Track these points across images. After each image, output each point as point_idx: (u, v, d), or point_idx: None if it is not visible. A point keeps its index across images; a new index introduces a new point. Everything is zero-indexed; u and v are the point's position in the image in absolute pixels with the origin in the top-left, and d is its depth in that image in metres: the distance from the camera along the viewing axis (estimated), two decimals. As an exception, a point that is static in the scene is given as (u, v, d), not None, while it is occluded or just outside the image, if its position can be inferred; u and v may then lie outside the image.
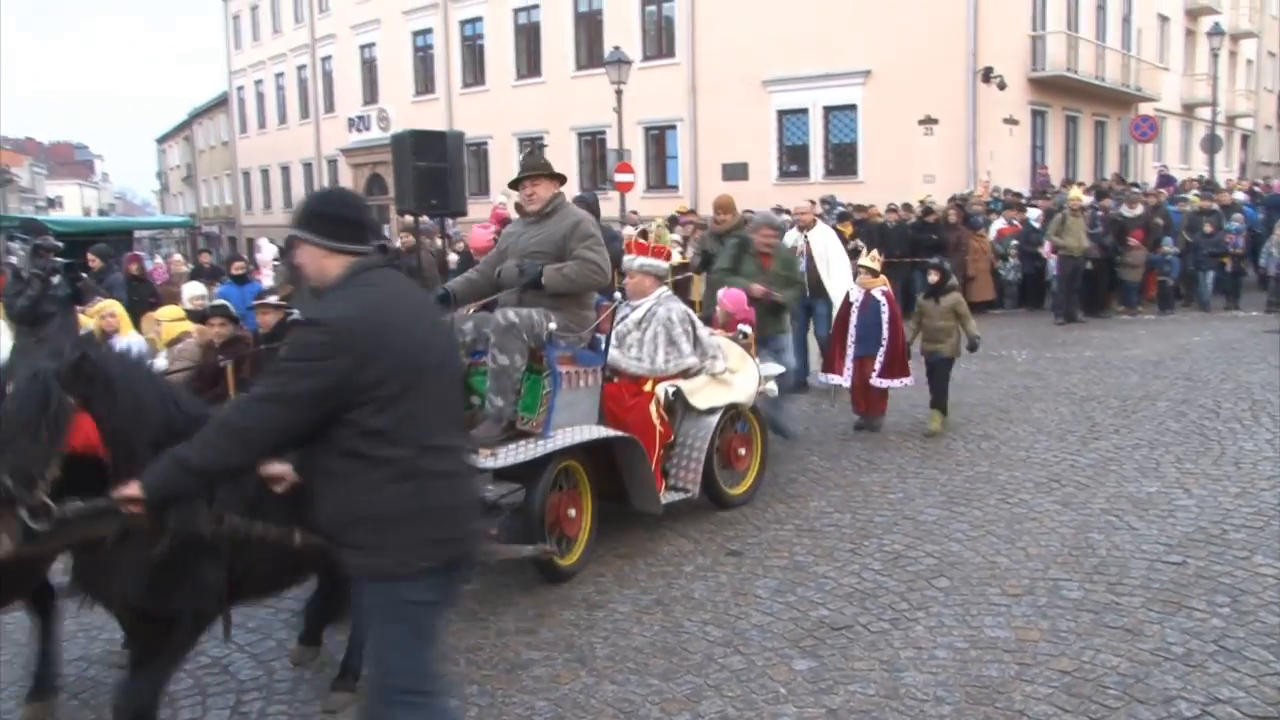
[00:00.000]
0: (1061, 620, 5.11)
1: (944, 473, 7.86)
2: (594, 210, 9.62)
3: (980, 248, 18.10)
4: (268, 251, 19.38)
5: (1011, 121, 25.07)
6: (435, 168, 9.99)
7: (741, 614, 5.35)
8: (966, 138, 23.81)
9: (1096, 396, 10.40)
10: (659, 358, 6.73)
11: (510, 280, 5.88)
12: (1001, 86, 23.88)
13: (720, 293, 8.23)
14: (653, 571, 6.01)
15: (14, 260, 10.49)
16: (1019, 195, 21.60)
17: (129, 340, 9.20)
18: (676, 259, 16.50)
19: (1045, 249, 17.63)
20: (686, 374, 6.85)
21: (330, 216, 3.18)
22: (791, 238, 10.76)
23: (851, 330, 9.22)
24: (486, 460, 5.30)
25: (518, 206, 6.79)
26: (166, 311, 9.51)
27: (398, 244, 12.74)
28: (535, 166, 6.03)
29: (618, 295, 6.97)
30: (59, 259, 8.74)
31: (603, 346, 6.34)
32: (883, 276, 9.53)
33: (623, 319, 6.81)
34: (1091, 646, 4.79)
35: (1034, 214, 19.00)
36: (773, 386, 7.87)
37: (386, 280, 3.19)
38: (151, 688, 3.69)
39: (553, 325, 5.76)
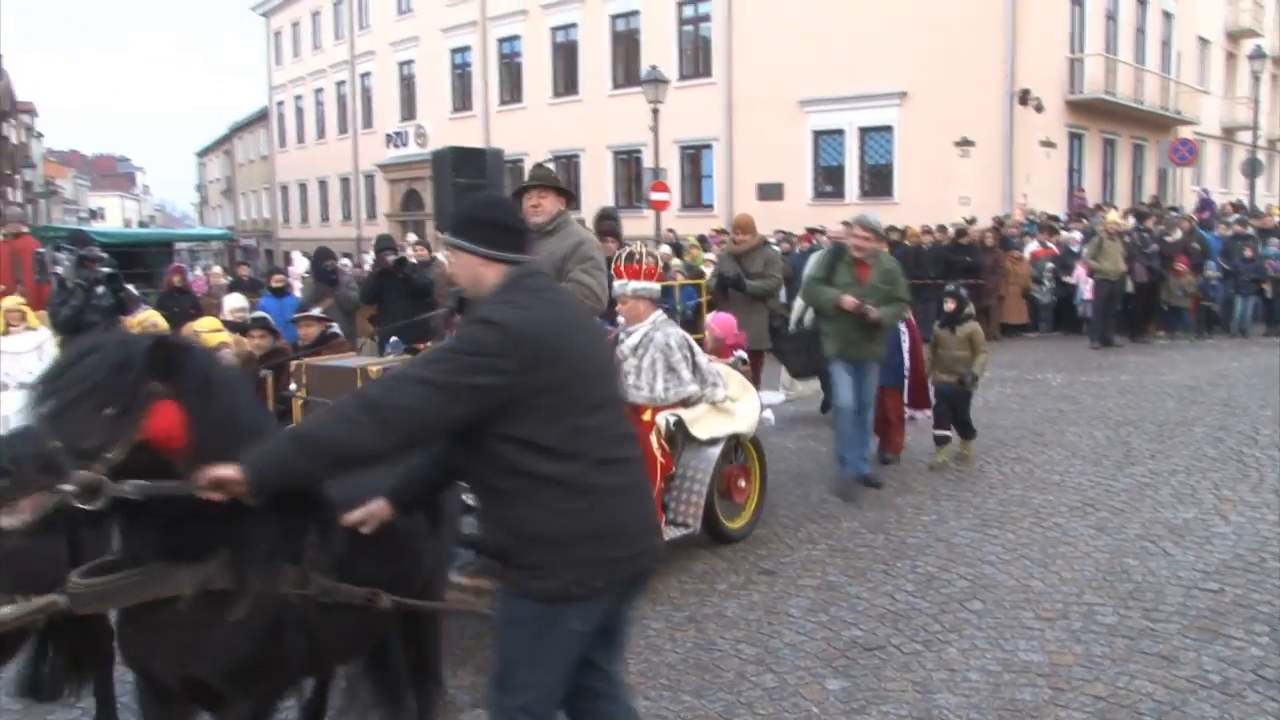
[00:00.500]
0: (1096, 645, 5.09)
1: (977, 495, 7.84)
2: (616, 225, 9.54)
3: (1015, 270, 18.06)
4: (299, 264, 19.67)
5: (1048, 144, 24.97)
6: (474, 184, 10.11)
7: (774, 632, 5.37)
8: (1003, 160, 23.74)
9: (1132, 421, 10.34)
10: (658, 385, 6.23)
11: None
12: (1039, 109, 23.80)
13: (709, 317, 7.93)
14: (685, 589, 6.03)
15: (59, 270, 10.67)
16: (1055, 218, 21.51)
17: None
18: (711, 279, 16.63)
19: (1076, 273, 17.59)
20: (686, 403, 6.44)
21: (488, 223, 3.10)
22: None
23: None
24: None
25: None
26: (204, 323, 9.63)
27: (411, 255, 12.77)
28: (543, 178, 5.90)
29: (620, 321, 6.53)
30: (103, 269, 8.85)
31: None
32: None
33: (618, 346, 6.35)
34: (1126, 672, 4.76)
35: (1070, 237, 18.94)
36: (770, 416, 7.60)
37: (548, 288, 3.12)
38: None
39: None
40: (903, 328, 8.64)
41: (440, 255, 12.97)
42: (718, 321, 7.82)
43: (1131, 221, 18.64)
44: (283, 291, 11.50)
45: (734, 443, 6.95)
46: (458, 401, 2.80)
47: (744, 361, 7.58)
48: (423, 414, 2.81)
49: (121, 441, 2.72)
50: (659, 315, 6.42)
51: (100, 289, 8.58)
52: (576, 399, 2.92)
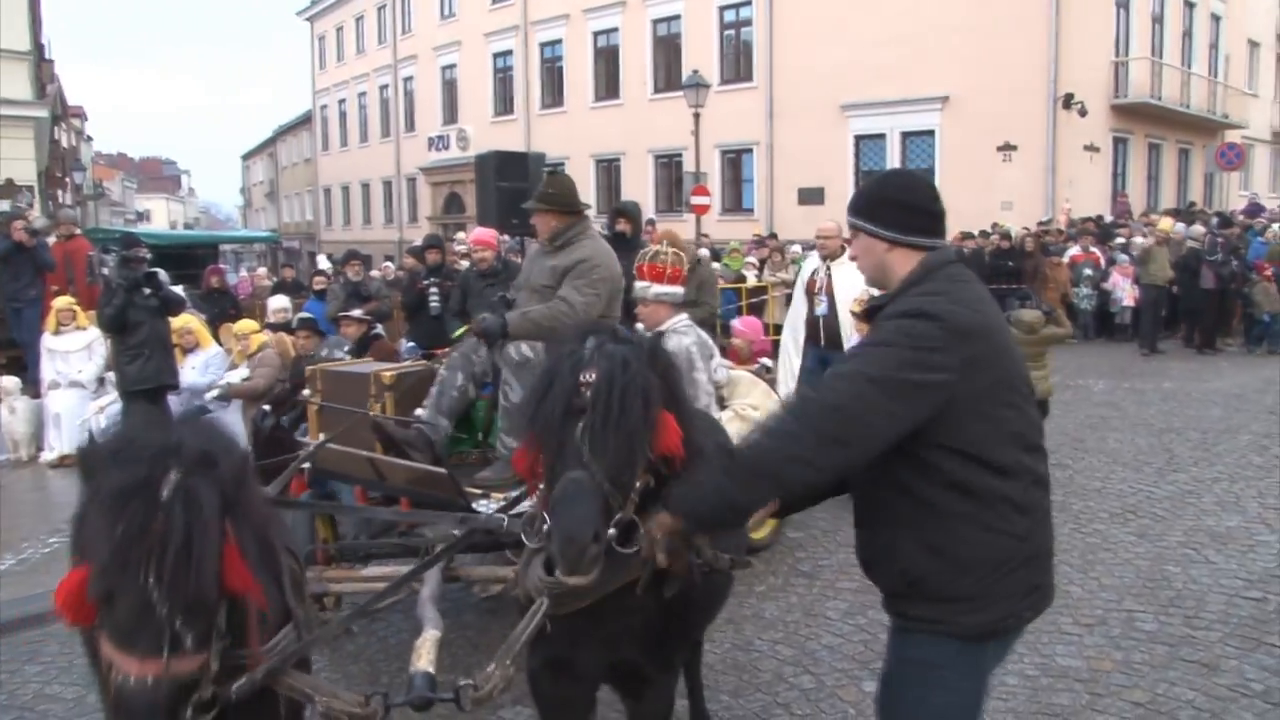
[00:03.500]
0: (1135, 652, 5.08)
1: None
2: (634, 220, 9.39)
3: (1058, 277, 17.93)
4: (323, 267, 19.94)
5: (1092, 149, 24.75)
6: (517, 188, 10.18)
7: (812, 635, 5.40)
8: (1046, 165, 23.56)
9: (1175, 428, 10.25)
10: None
11: (482, 333, 5.25)
12: (1083, 113, 23.59)
13: (734, 321, 7.67)
14: (723, 590, 6.06)
15: (106, 271, 10.90)
16: (1097, 221, 21.33)
17: (209, 353, 9.55)
18: (752, 281, 16.67)
19: (1113, 279, 17.47)
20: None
21: (897, 204, 2.73)
22: (810, 266, 8.50)
23: None
24: (497, 504, 4.60)
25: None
26: (243, 324, 9.81)
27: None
28: (542, 198, 5.50)
29: (639, 328, 6.07)
30: (145, 270, 9.00)
31: None
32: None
33: None
34: (1166, 679, 4.75)
35: (1112, 244, 18.83)
36: None
37: (969, 279, 2.71)
38: None
39: None
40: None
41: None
42: (745, 324, 7.76)
43: (1182, 228, 18.45)
44: (324, 294, 11.66)
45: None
46: (900, 400, 2.44)
47: (767, 370, 7.48)
48: (863, 419, 2.44)
49: (642, 465, 2.67)
50: (679, 320, 6.04)
51: (145, 290, 8.69)
52: (1011, 404, 2.58)
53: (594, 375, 2.63)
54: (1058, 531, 6.89)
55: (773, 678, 4.91)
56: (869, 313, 2.80)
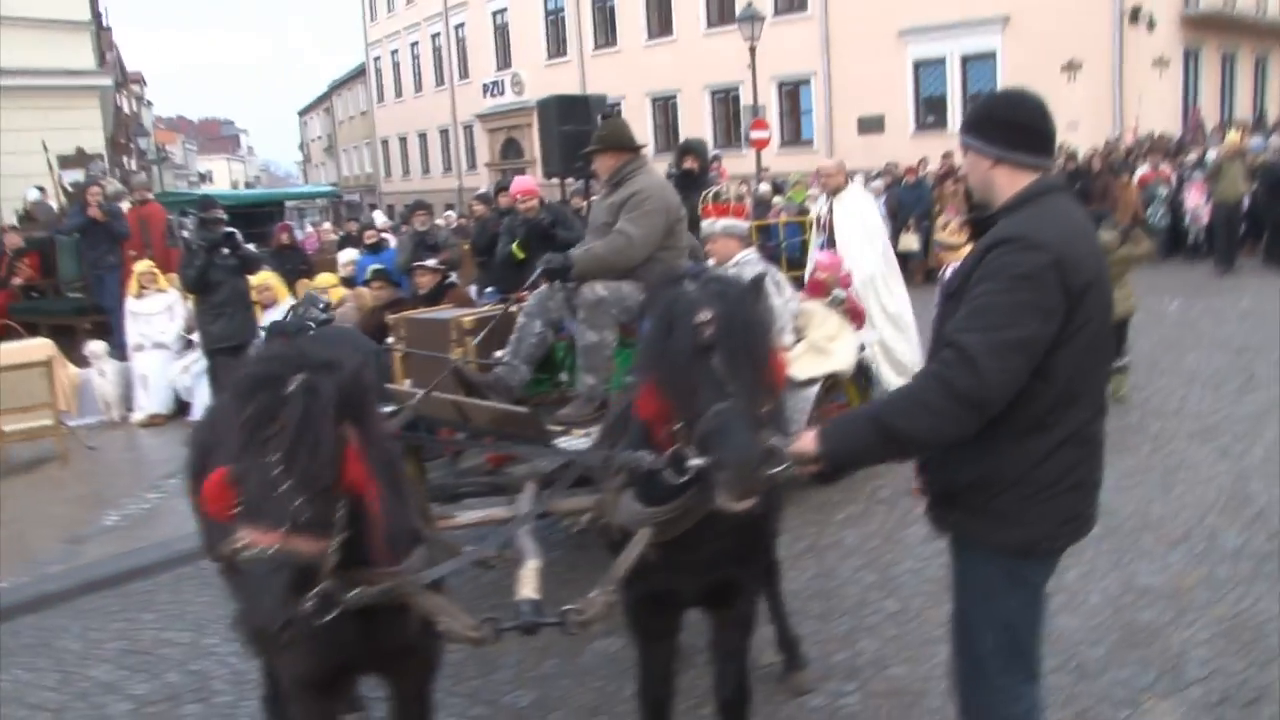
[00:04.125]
0: (1220, 568, 5.10)
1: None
2: (701, 157, 9.40)
3: (1127, 198, 17.56)
4: (378, 221, 20.16)
5: (1162, 63, 24.04)
6: (579, 131, 10.18)
7: (893, 560, 5.49)
8: (1112, 82, 22.96)
9: (1254, 346, 10.08)
10: None
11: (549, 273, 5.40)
12: (1151, 26, 22.90)
13: (815, 255, 7.73)
14: (804, 519, 6.16)
15: (186, 234, 11.14)
16: (1169, 139, 20.80)
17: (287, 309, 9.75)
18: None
19: (1190, 197, 17.06)
20: None
21: (1005, 122, 2.75)
22: (816, 205, 9.02)
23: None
24: (579, 440, 4.88)
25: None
26: (323, 278, 10.02)
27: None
28: (596, 141, 5.62)
29: (709, 264, 6.37)
30: (223, 230, 9.21)
31: None
32: (967, 249, 8.14)
33: None
34: (1251, 594, 4.78)
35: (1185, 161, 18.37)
36: (869, 354, 7.52)
37: (1073, 207, 2.79)
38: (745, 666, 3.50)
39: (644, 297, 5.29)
40: (947, 275, 7.86)
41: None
42: (827, 258, 7.79)
43: (1260, 141, 17.91)
44: (377, 247, 11.82)
45: (832, 381, 6.88)
46: (1027, 352, 2.51)
47: (842, 301, 7.50)
48: (1000, 385, 2.51)
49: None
50: (748, 254, 6.39)
51: (224, 250, 8.91)
52: (1096, 335, 2.61)
53: (712, 313, 2.69)
54: (1137, 452, 6.95)
55: (857, 602, 5.02)
56: (971, 225, 2.88)
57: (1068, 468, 2.63)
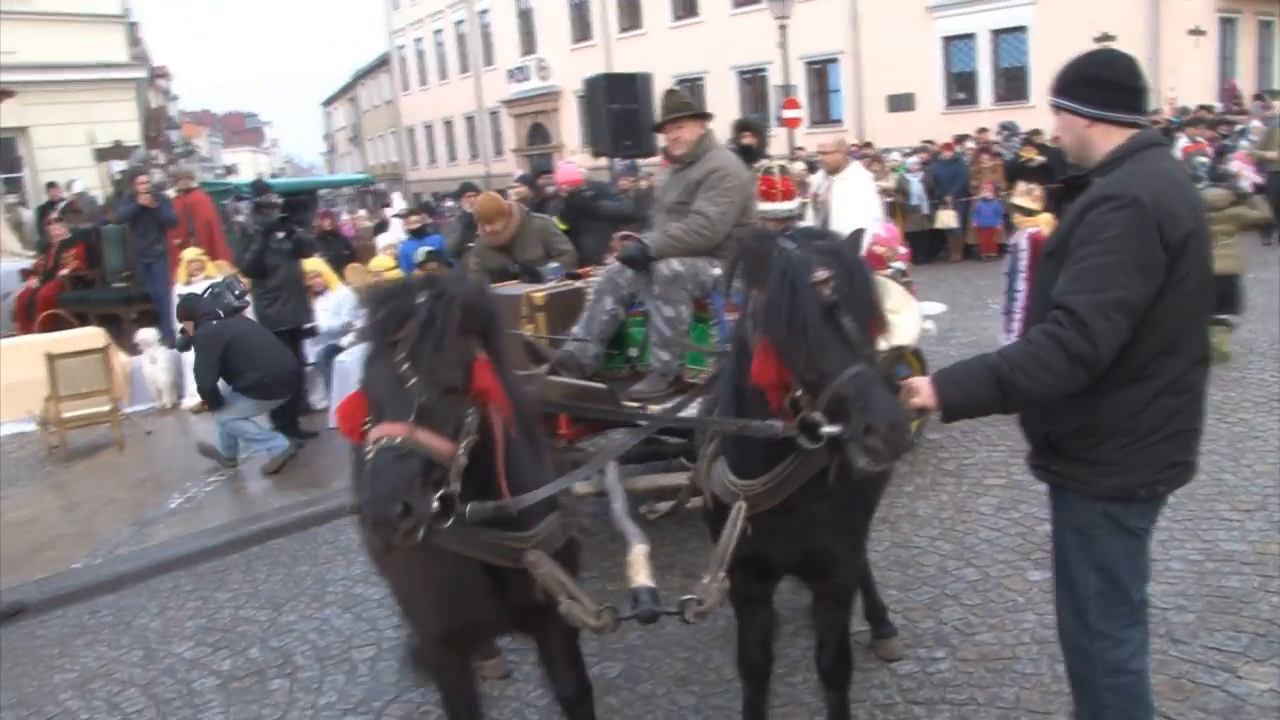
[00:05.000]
0: (1300, 534, 5.06)
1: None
2: (759, 134, 9.37)
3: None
4: (396, 205, 20.28)
5: (1198, 32, 23.75)
6: (627, 110, 10.16)
7: (969, 530, 5.47)
8: (1147, 53, 22.63)
9: (1310, 316, 9.98)
10: None
11: (627, 260, 5.34)
12: (1186, -5, 22.66)
13: (879, 229, 7.72)
14: (873, 491, 6.14)
15: (241, 219, 11.21)
16: (1209, 109, 20.54)
17: (338, 295, 9.81)
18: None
19: (1235, 163, 16.84)
20: None
21: (1098, 81, 2.75)
22: (815, 182, 8.86)
23: (1020, 284, 7.70)
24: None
25: (664, 151, 6.34)
26: (379, 261, 10.05)
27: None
28: (677, 108, 5.42)
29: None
30: (277, 215, 9.25)
31: None
32: (1044, 215, 7.98)
33: None
34: (1337, 558, 4.74)
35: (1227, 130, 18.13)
36: (932, 326, 7.44)
37: (1170, 160, 2.82)
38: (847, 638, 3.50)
39: (717, 272, 5.20)
40: (1022, 244, 7.84)
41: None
42: (886, 230, 7.76)
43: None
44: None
45: (896, 355, 6.78)
46: (1133, 315, 2.56)
47: (903, 274, 7.49)
48: (1109, 346, 2.55)
49: None
50: None
51: (279, 234, 8.95)
52: (1196, 287, 2.65)
53: (829, 272, 2.62)
54: (1206, 420, 6.84)
55: (937, 571, 5.01)
56: (1066, 183, 2.83)
57: (1166, 416, 2.68)
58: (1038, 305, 2.83)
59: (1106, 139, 2.74)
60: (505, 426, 2.62)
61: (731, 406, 3.09)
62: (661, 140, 6.54)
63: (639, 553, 3.22)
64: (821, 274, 2.63)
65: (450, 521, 2.43)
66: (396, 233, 13.98)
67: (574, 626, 2.95)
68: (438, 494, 2.37)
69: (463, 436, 2.44)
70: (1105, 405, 2.68)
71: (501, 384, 2.59)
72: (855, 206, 8.14)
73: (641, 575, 3.10)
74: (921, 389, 2.73)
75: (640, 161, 11.92)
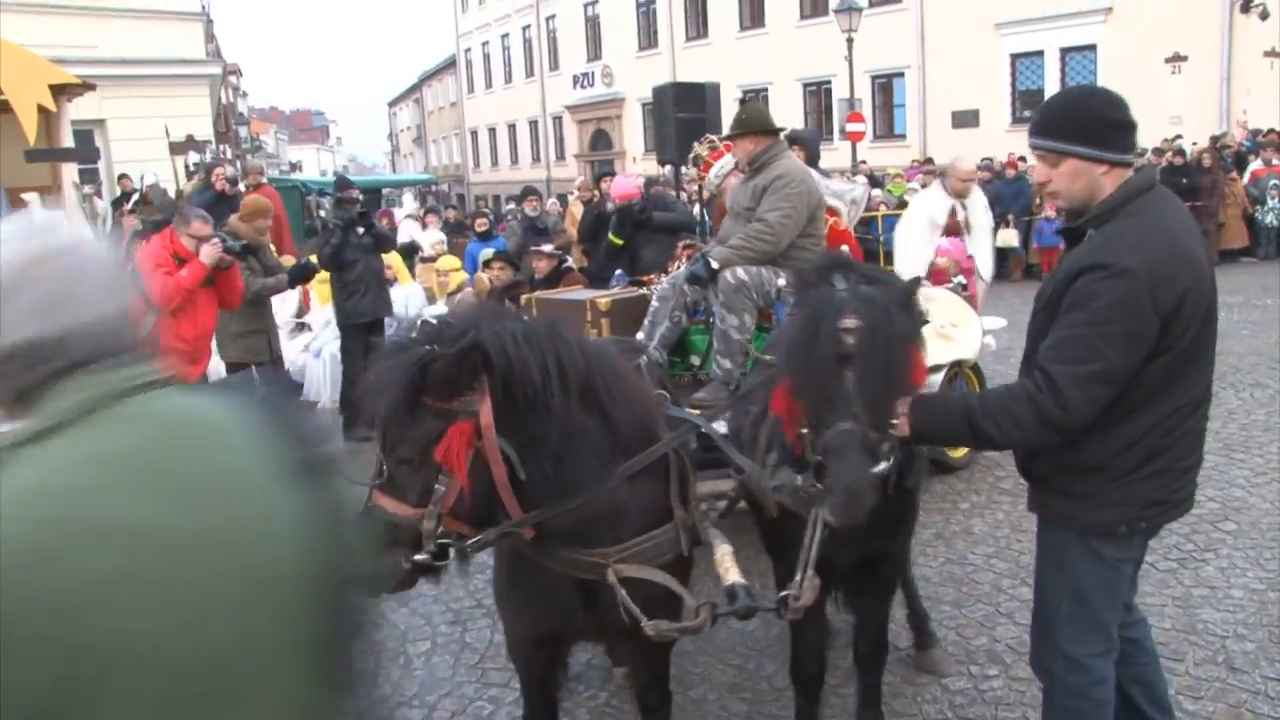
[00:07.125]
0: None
1: (1216, 420, 7.56)
2: (809, 148, 9.37)
3: (1234, 192, 17.16)
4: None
5: (1274, 54, 23.30)
6: (695, 118, 10.20)
7: (1024, 549, 5.45)
8: (1220, 75, 22.35)
9: (1378, 347, 9.81)
10: None
11: (693, 280, 5.49)
12: (1264, 16, 22.19)
13: (943, 242, 7.68)
14: (928, 506, 6.12)
15: (323, 213, 11.41)
16: (1281, 134, 20.18)
17: (409, 290, 9.96)
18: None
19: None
20: None
21: (1117, 124, 2.68)
22: (935, 204, 7.89)
23: None
24: (719, 425, 4.60)
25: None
26: (445, 261, 10.19)
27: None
28: (736, 124, 5.65)
29: (844, 249, 6.30)
30: (357, 210, 9.39)
31: None
32: None
33: None
34: None
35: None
36: (992, 341, 7.42)
37: (1169, 207, 2.75)
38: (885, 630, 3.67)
39: (781, 282, 5.30)
40: None
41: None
42: (950, 244, 7.75)
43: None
44: (487, 235, 12.02)
45: (955, 369, 6.88)
46: (1116, 384, 2.60)
47: (964, 287, 7.49)
48: (1087, 412, 2.62)
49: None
50: None
51: (359, 229, 9.10)
52: (1196, 339, 2.64)
53: (856, 321, 2.65)
54: (1265, 450, 6.83)
55: (991, 589, 5.02)
56: (1065, 234, 2.85)
57: (1149, 455, 2.69)
58: (1029, 353, 2.86)
59: (1114, 183, 2.68)
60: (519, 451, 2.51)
61: (769, 429, 3.21)
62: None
63: (724, 553, 3.28)
64: (849, 322, 2.67)
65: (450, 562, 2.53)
66: (409, 233, 14.20)
67: (660, 648, 3.02)
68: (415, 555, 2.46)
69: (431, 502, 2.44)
70: (1088, 441, 2.71)
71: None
72: (983, 227, 8.02)
73: (733, 573, 3.16)
74: (904, 414, 2.81)
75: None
